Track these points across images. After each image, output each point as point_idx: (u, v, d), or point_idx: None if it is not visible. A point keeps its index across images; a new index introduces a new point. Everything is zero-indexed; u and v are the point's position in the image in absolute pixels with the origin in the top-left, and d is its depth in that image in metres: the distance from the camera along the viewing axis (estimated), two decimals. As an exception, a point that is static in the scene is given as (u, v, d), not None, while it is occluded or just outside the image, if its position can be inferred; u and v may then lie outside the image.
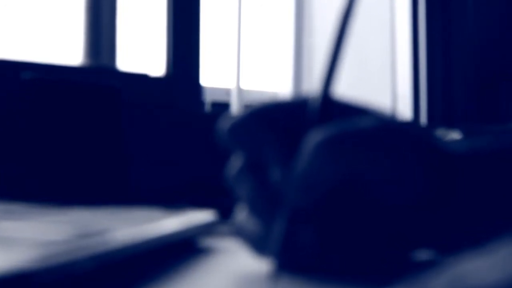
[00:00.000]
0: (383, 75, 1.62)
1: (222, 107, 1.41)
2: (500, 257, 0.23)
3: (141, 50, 1.24)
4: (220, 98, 1.43)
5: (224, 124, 0.39)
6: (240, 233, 0.40)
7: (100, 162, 0.83)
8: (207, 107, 1.34)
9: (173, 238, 0.44)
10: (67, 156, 0.81)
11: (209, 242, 0.50)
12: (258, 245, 0.38)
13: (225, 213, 0.53)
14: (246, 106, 1.46)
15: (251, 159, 0.38)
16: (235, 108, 1.43)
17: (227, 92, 1.47)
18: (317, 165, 0.35)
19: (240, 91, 1.47)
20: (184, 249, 0.46)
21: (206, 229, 0.50)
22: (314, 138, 0.35)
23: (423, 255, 0.40)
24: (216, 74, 1.48)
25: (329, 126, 0.36)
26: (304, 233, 0.36)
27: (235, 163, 0.39)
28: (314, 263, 0.37)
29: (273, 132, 0.38)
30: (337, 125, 0.36)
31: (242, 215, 0.40)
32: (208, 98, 1.35)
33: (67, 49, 1.15)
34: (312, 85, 1.60)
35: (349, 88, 1.61)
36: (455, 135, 1.11)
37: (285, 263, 0.36)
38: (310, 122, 0.37)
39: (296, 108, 0.39)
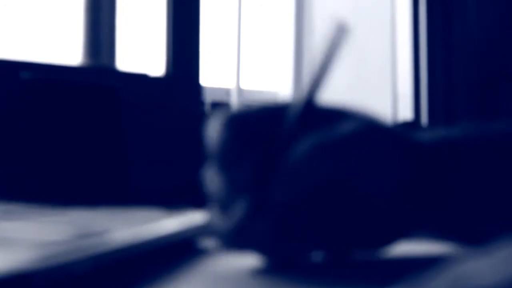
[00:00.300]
0: (384, 75, 1.62)
1: (221, 107, 1.41)
2: (501, 258, 0.23)
3: (141, 50, 1.24)
4: (220, 98, 1.43)
5: (211, 124, 0.41)
6: (212, 230, 0.41)
7: (100, 162, 0.83)
8: (207, 107, 1.34)
9: (173, 239, 0.44)
10: (66, 156, 0.81)
11: (208, 242, 0.50)
12: (225, 240, 0.40)
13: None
14: (246, 106, 1.46)
15: (226, 159, 0.40)
16: (235, 107, 1.43)
17: (227, 92, 1.47)
18: (307, 166, 0.38)
19: (240, 91, 1.47)
20: (183, 250, 0.46)
21: (206, 230, 0.50)
22: (306, 142, 0.38)
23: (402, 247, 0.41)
24: (216, 74, 1.48)
25: (318, 133, 0.39)
26: (259, 224, 0.38)
27: (211, 163, 0.41)
28: (269, 252, 0.39)
29: (247, 136, 0.40)
30: (325, 131, 0.39)
31: (213, 213, 0.41)
32: (208, 98, 1.35)
33: (67, 49, 1.15)
34: (323, 86, 1.60)
35: (349, 87, 1.61)
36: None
37: (239, 251, 0.38)
38: (290, 125, 0.39)
39: (276, 112, 0.41)
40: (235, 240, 0.38)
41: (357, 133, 0.39)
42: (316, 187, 0.38)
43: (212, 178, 0.40)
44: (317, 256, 0.41)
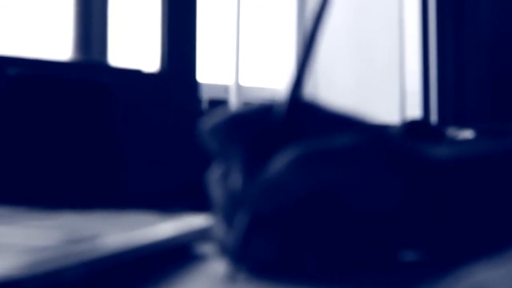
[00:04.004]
0: (391, 71, 1.63)
1: (220, 105, 1.42)
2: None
3: (134, 44, 1.24)
4: (218, 95, 1.43)
5: (204, 127, 0.42)
6: (213, 238, 0.42)
7: (91, 163, 0.83)
8: (204, 105, 1.34)
9: (168, 244, 0.44)
10: (55, 157, 0.81)
11: (205, 248, 0.50)
12: (225, 249, 0.41)
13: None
14: (245, 104, 1.46)
15: (225, 165, 0.41)
16: (234, 106, 1.43)
17: (226, 89, 1.47)
18: (286, 177, 0.39)
19: (239, 88, 1.47)
20: (179, 255, 0.46)
21: (203, 234, 0.50)
22: (289, 152, 0.39)
23: (408, 256, 0.42)
24: (214, 70, 1.48)
25: (306, 143, 0.39)
26: (262, 238, 0.39)
27: (214, 168, 0.42)
28: (271, 268, 0.40)
29: (239, 141, 0.41)
30: (314, 142, 0.39)
31: (215, 220, 0.42)
32: (205, 95, 1.35)
33: (56, 43, 1.15)
34: (313, 81, 1.60)
35: (355, 84, 1.61)
36: (467, 134, 1.11)
37: (244, 267, 0.39)
38: (277, 126, 0.40)
39: (270, 113, 0.41)
40: (239, 255, 0.39)
41: (351, 147, 0.40)
42: (297, 199, 0.39)
43: (216, 185, 0.41)
44: (311, 262, 0.42)
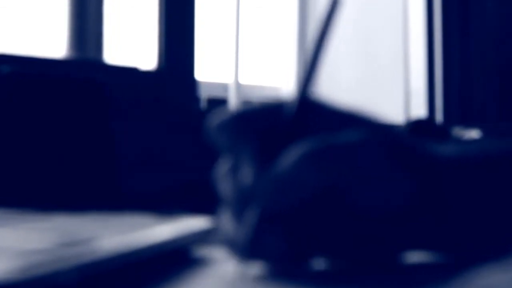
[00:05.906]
0: (396, 69, 1.63)
1: (219, 103, 1.42)
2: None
3: (131, 41, 1.24)
4: (217, 94, 1.44)
5: (212, 123, 0.42)
6: (220, 235, 0.43)
7: (87, 164, 0.83)
8: (203, 104, 1.35)
9: (166, 247, 0.45)
10: (50, 157, 0.81)
11: (204, 251, 0.50)
12: (233, 246, 0.41)
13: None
14: (245, 102, 1.46)
15: (234, 161, 0.42)
16: (233, 104, 1.43)
17: (225, 87, 1.47)
18: (297, 173, 0.39)
19: (238, 86, 1.47)
20: (177, 259, 0.46)
21: (201, 237, 0.50)
22: (299, 148, 0.40)
23: (413, 257, 0.43)
24: (213, 68, 1.48)
25: (315, 139, 0.40)
26: (272, 234, 0.40)
27: (222, 164, 0.43)
28: (281, 264, 0.41)
29: (249, 137, 0.42)
30: (323, 138, 0.40)
31: (223, 216, 0.43)
32: (204, 94, 1.35)
33: (50, 40, 1.15)
34: (317, 80, 1.60)
35: (359, 83, 1.61)
36: (473, 133, 1.12)
37: (253, 263, 0.40)
38: (286, 125, 0.41)
39: (279, 111, 0.42)
40: (249, 251, 0.40)
41: (356, 144, 0.41)
42: (307, 194, 0.40)
43: (224, 181, 0.42)
44: (320, 263, 0.42)
